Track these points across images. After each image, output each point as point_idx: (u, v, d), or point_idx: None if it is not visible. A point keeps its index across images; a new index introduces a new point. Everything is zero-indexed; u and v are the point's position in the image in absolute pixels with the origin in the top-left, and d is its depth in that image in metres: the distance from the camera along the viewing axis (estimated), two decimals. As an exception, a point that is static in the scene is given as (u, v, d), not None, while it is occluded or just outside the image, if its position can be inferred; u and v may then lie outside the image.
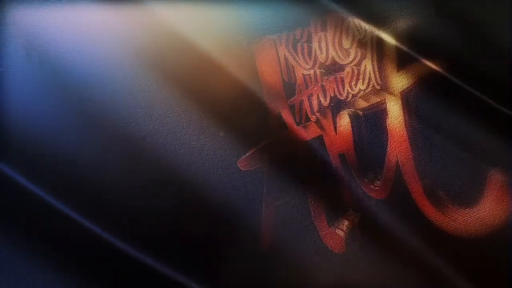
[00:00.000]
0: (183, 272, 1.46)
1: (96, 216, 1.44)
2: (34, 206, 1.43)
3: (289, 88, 1.50)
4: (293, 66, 1.48)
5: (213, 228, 1.48)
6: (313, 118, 1.47)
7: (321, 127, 1.48)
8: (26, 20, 1.47)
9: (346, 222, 1.47)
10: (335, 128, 1.47)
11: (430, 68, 1.39)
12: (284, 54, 1.49)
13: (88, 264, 1.44)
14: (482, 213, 1.36)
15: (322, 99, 1.46)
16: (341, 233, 1.47)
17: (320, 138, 1.49)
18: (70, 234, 1.43)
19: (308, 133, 1.49)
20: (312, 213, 1.49)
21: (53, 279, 1.43)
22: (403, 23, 1.39)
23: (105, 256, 1.44)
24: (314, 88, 1.47)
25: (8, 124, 1.46)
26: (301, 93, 1.49)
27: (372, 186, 1.43)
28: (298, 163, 1.50)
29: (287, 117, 1.50)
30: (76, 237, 1.43)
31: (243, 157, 1.50)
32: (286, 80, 1.50)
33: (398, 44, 1.39)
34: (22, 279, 1.43)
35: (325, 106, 1.47)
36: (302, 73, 1.48)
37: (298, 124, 1.49)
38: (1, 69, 1.46)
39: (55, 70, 1.47)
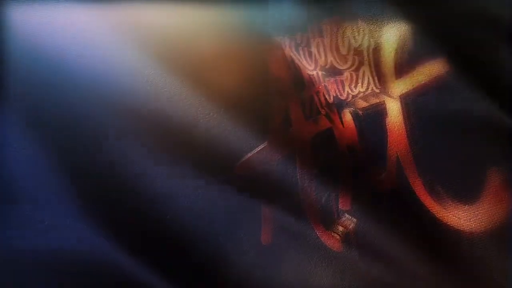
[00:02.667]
0: (181, 273, 1.46)
1: (95, 215, 1.43)
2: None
3: (299, 83, 1.53)
4: (299, 66, 1.53)
5: (211, 228, 1.49)
6: (322, 111, 1.52)
7: (331, 121, 1.52)
8: (29, 20, 1.45)
9: (340, 229, 1.51)
10: (342, 122, 1.52)
11: (429, 73, 1.43)
12: (290, 54, 1.53)
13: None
14: (482, 210, 1.39)
15: (327, 96, 1.51)
16: (339, 231, 1.51)
17: (330, 130, 1.52)
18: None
19: (319, 126, 1.52)
20: (310, 211, 1.52)
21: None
22: (399, 29, 1.44)
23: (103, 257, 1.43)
24: (319, 87, 1.52)
25: (10, 124, 1.44)
26: (310, 89, 1.53)
27: (377, 177, 1.48)
28: (301, 160, 1.53)
29: (297, 111, 1.53)
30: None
31: (241, 161, 1.51)
32: (295, 76, 1.54)
33: (395, 49, 1.43)
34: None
35: (330, 103, 1.52)
36: (308, 73, 1.53)
37: (308, 118, 1.52)
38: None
39: (58, 71, 1.45)
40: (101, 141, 1.46)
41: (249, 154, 1.52)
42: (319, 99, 1.53)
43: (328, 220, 1.52)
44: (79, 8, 1.50)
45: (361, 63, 1.48)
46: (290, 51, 1.52)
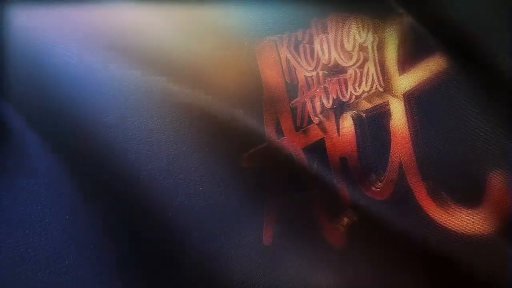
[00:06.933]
0: (185, 268, 1.49)
1: (99, 216, 1.46)
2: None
3: (292, 89, 1.50)
4: (294, 68, 1.48)
5: (214, 225, 1.50)
6: (316, 120, 1.48)
7: (324, 130, 1.48)
8: (28, 20, 1.47)
9: (345, 221, 1.49)
10: (338, 130, 1.47)
11: (432, 69, 1.37)
12: (286, 55, 1.48)
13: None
14: (485, 213, 1.36)
15: (324, 101, 1.47)
16: (341, 231, 1.50)
17: (321, 141, 1.49)
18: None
19: (309, 137, 1.49)
20: (312, 211, 1.52)
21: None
22: (404, 25, 1.37)
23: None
24: (316, 90, 1.47)
25: (9, 124, 1.46)
26: (303, 94, 1.49)
27: (373, 188, 1.44)
28: (295, 167, 1.52)
29: (287, 122, 1.50)
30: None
31: (246, 154, 1.52)
32: (289, 81, 1.50)
33: (400, 46, 1.37)
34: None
35: (328, 108, 1.47)
36: (304, 75, 1.48)
37: (298, 129, 1.49)
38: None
39: (56, 72, 1.47)
40: (101, 138, 1.49)
41: (252, 150, 1.53)
42: (313, 106, 1.48)
43: (331, 216, 1.51)
44: (78, 9, 1.49)
45: (365, 59, 1.41)
46: (286, 51, 1.47)
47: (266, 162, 1.52)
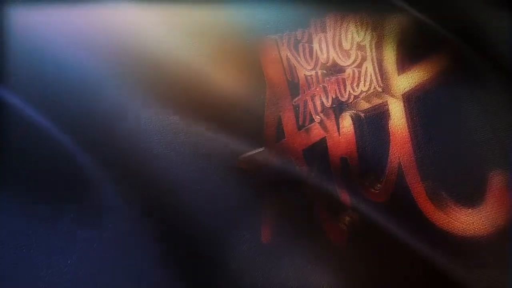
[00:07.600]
0: (184, 268, 1.50)
1: (100, 215, 1.47)
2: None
3: (293, 87, 1.50)
4: (295, 67, 1.48)
5: (213, 224, 1.51)
6: (317, 118, 1.48)
7: (325, 129, 1.48)
8: (27, 21, 1.48)
9: (346, 219, 1.50)
10: (338, 129, 1.47)
11: (431, 69, 1.36)
12: (286, 54, 1.48)
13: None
14: (485, 213, 1.35)
15: (324, 100, 1.46)
16: (342, 228, 1.49)
17: (323, 140, 1.49)
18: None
19: (311, 137, 1.49)
20: (311, 211, 1.52)
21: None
22: (403, 24, 1.35)
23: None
24: (316, 89, 1.47)
25: (9, 127, 1.48)
26: (304, 93, 1.49)
27: (372, 190, 1.44)
28: (296, 167, 1.51)
29: (290, 120, 1.50)
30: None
31: (243, 156, 1.53)
32: (290, 80, 1.50)
33: (398, 46, 1.35)
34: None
35: (327, 107, 1.47)
36: (304, 74, 1.48)
37: (300, 128, 1.49)
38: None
39: (57, 73, 1.49)
40: (100, 138, 1.50)
41: (249, 153, 1.53)
42: (314, 104, 1.48)
43: (333, 212, 1.51)
44: (78, 9, 1.49)
45: (363, 59, 1.40)
46: (286, 50, 1.47)
47: (266, 162, 1.53)
